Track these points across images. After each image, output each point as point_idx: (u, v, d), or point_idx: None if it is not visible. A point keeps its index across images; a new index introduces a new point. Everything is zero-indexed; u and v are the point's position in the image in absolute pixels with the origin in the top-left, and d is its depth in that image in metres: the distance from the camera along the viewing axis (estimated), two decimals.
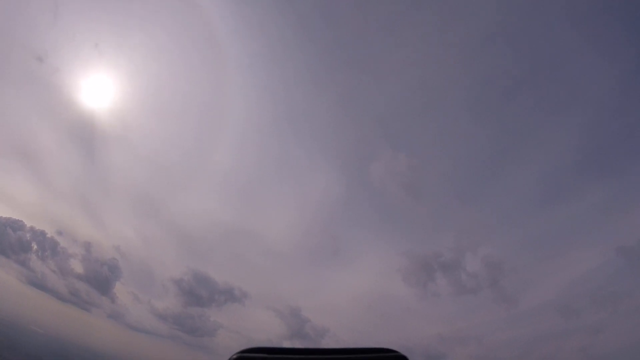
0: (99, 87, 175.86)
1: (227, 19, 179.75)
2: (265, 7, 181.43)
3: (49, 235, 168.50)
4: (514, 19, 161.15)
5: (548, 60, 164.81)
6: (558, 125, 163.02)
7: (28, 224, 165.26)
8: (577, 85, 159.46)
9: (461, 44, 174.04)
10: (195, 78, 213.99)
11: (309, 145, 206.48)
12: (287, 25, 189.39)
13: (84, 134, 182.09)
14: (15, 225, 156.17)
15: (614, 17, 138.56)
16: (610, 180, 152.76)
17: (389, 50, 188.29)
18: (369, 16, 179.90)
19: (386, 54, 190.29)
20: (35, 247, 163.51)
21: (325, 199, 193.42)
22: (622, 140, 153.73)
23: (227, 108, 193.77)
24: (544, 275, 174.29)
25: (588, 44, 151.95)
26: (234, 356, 0.90)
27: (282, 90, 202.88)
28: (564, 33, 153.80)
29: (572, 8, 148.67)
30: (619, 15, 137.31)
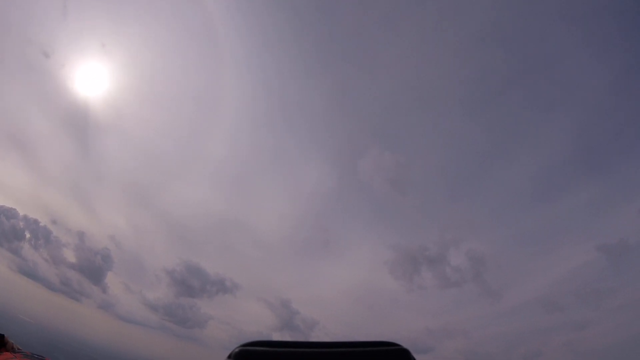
0: (94, 76, 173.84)
1: (224, 11, 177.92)
2: (262, 0, 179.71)
3: (42, 224, 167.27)
4: (507, 18, 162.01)
5: (540, 59, 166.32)
6: (547, 125, 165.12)
7: (21, 212, 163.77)
8: (567, 85, 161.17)
9: (454, 42, 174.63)
10: (190, 69, 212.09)
11: (301, 139, 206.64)
12: (284, 19, 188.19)
13: (78, 123, 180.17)
14: (8, 213, 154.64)
15: (606, 18, 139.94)
16: (595, 179, 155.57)
17: (382, 47, 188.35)
18: (363, 13, 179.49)
19: (380, 51, 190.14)
20: (28, 235, 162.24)
21: (316, 192, 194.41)
22: (609, 140, 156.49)
23: (222, 99, 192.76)
24: (530, 272, 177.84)
25: (579, 44, 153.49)
26: (236, 349, 0.94)
27: (277, 83, 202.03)
28: (556, 33, 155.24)
29: (565, 8, 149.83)
30: (610, 15, 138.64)
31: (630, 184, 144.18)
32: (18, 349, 3.67)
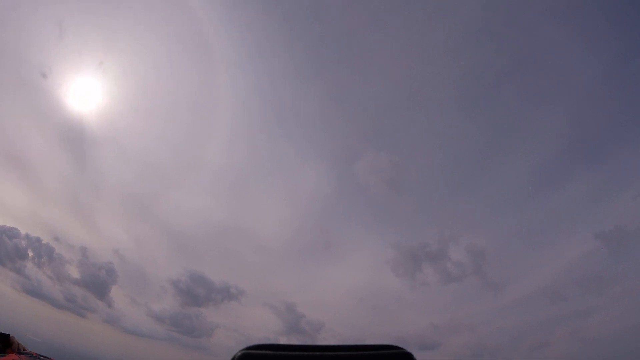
0: (90, 92, 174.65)
1: (214, 17, 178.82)
2: (252, 5, 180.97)
3: (44, 242, 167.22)
4: (498, 13, 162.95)
5: (532, 52, 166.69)
6: (542, 117, 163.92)
7: (23, 231, 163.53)
8: (561, 77, 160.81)
9: (445, 39, 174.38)
10: (184, 78, 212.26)
11: (298, 142, 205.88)
12: (274, 23, 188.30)
13: (75, 139, 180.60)
14: (10, 233, 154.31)
15: (598, 10, 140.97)
16: (591, 169, 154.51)
17: (374, 48, 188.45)
18: (353, 14, 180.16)
19: (371, 51, 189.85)
20: (31, 254, 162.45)
21: (315, 195, 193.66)
22: (603, 129, 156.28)
23: (216, 106, 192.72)
24: (531, 263, 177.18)
25: (573, 35, 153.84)
26: (238, 353, 0.92)
27: (270, 87, 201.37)
28: (549, 26, 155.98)
29: (557, 1, 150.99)
30: (603, 7, 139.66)
31: (625, 171, 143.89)
32: (24, 349, 4.20)
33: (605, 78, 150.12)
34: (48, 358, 3.92)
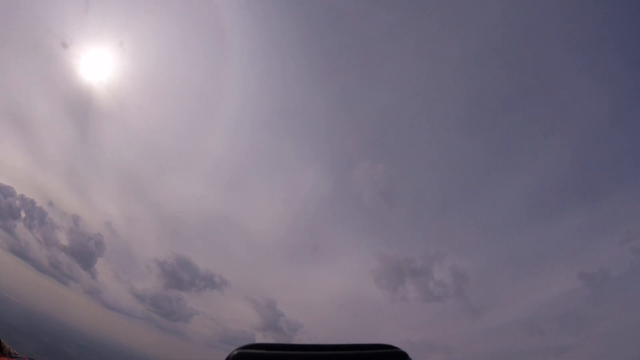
0: (102, 66, 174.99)
1: (233, 9, 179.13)
2: (272, 1, 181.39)
3: (38, 205, 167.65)
4: (514, 41, 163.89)
5: (543, 84, 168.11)
6: (542, 149, 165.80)
7: (19, 191, 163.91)
8: (566, 112, 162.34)
9: (456, 60, 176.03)
10: (195, 65, 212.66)
11: (300, 142, 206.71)
12: (293, 22, 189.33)
13: (80, 109, 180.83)
14: (6, 191, 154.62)
15: (613, 53, 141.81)
16: (583, 207, 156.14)
17: (385, 60, 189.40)
18: (370, 25, 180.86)
19: (382, 64, 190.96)
20: (23, 215, 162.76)
21: (310, 196, 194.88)
22: (601, 169, 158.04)
23: (224, 97, 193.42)
24: (512, 293, 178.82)
25: (584, 74, 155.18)
26: (234, 352, 0.91)
27: (280, 85, 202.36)
28: (562, 61, 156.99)
29: (568, 34, 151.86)
30: (618, 51, 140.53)
31: (616, 214, 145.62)
32: (15, 353, 4.65)
33: (611, 120, 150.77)
34: None
